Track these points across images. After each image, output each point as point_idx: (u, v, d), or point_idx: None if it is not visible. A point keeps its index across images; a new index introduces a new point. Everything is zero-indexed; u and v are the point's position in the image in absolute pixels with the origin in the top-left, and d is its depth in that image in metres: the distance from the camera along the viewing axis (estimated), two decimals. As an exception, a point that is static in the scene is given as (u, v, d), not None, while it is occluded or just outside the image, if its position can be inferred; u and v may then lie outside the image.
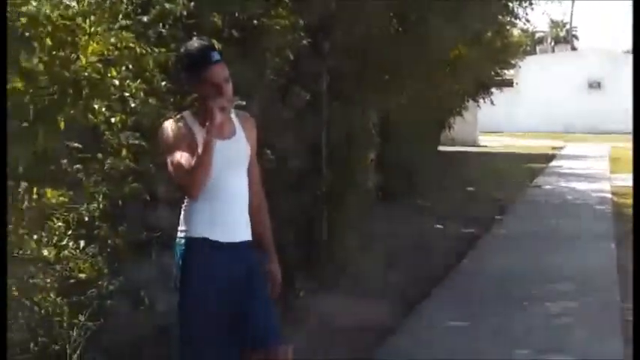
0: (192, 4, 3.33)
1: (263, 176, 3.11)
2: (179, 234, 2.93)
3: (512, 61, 16.29)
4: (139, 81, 2.91)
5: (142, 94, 2.96)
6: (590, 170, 14.96)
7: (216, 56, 2.77)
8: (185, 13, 3.27)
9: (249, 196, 2.97)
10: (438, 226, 9.14)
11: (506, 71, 16.29)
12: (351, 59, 6.68)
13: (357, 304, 5.64)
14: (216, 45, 2.77)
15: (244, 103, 2.95)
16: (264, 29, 4.07)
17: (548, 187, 13.38)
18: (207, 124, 2.71)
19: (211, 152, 2.71)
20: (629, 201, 11.20)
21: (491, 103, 15.35)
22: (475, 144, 23.67)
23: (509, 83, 18.23)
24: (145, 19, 3.23)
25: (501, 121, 30.25)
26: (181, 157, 2.74)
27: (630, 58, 38.15)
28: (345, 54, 6.57)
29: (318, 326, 5.08)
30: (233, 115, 2.95)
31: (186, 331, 2.88)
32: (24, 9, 2.21)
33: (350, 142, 6.38)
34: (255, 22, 4.00)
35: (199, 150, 2.70)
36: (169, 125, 2.86)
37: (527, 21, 11.52)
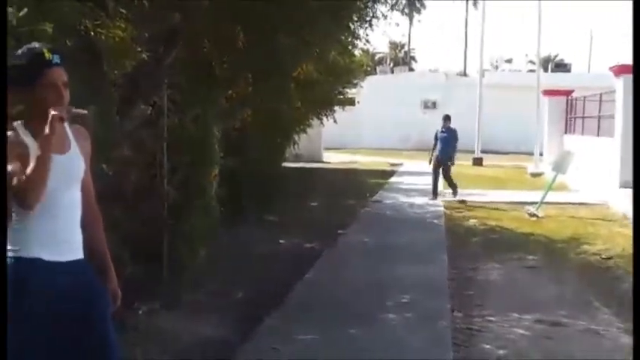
0: (22, 12, 3.15)
1: (100, 190, 3.01)
2: (9, 254, 2.73)
3: (355, 81, 16.84)
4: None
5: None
6: (425, 186, 15.73)
7: (56, 58, 2.67)
8: (14, 22, 3.09)
9: (83, 211, 2.88)
10: (283, 241, 9.24)
11: (348, 90, 16.78)
12: (195, 72, 6.63)
13: (199, 322, 5.56)
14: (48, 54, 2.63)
15: (86, 112, 2.79)
16: (100, 40, 3.94)
17: (388, 201, 13.94)
18: (44, 135, 2.58)
19: (48, 166, 2.58)
20: (457, 214, 12.09)
21: (334, 121, 15.73)
22: (320, 160, 24.31)
23: (351, 102, 18.80)
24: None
25: (345, 138, 31.27)
26: (15, 171, 2.57)
27: (462, 80, 40.84)
28: (188, 67, 6.51)
29: (158, 346, 4.95)
30: (67, 128, 2.83)
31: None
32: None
33: (192, 156, 6.31)
34: (91, 33, 3.86)
35: (32, 165, 2.55)
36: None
37: (367, 41, 11.97)
